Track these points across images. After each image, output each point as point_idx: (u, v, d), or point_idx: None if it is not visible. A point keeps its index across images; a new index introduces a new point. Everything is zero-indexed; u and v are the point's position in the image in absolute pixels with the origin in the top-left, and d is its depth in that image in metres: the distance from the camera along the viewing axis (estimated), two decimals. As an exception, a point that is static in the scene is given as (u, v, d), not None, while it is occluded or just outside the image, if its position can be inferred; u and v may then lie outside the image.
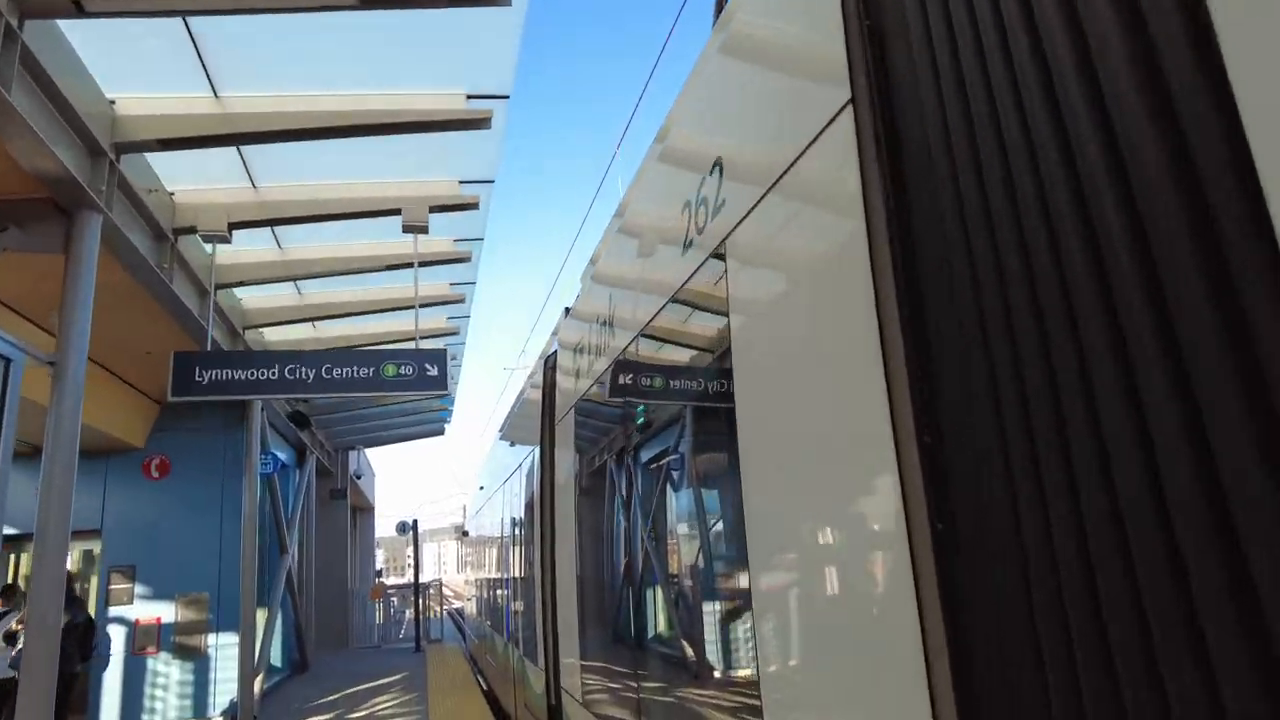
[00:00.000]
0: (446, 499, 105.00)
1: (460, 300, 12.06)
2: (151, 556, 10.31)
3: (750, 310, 2.23)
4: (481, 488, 13.20)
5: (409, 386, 7.12)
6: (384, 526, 37.31)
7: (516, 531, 8.24)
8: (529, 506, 6.90)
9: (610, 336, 3.80)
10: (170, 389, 6.67)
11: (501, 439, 9.93)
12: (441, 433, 20.34)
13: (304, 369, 6.98)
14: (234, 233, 6.94)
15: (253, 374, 6.88)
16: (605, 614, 4.24)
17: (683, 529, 3.12)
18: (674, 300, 2.85)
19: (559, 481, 5.35)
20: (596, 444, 4.38)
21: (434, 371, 7.18)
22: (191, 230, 6.90)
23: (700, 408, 2.82)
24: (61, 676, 7.05)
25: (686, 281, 2.69)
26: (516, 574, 8.34)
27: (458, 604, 31.37)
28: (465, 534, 17.49)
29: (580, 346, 4.55)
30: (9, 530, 10.18)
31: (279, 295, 10.60)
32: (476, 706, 10.20)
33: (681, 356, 3.03)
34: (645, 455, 3.50)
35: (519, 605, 7.99)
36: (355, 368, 7.08)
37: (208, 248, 7.66)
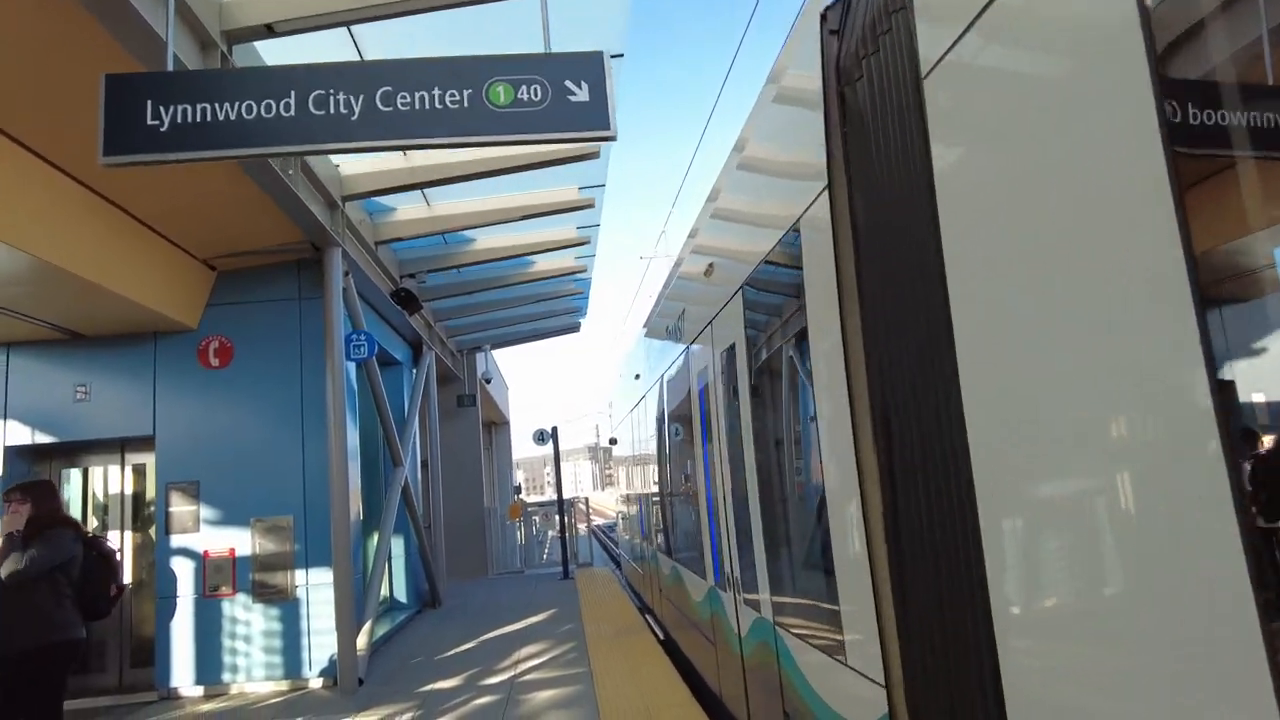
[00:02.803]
0: (579, 419, 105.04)
1: (590, 205, 9.61)
2: (218, 470, 7.70)
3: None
4: (637, 376, 9.95)
5: (540, 125, 3.65)
6: (516, 447, 35.71)
7: (716, 433, 5.02)
8: (738, 396, 4.45)
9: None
10: (101, 144, 3.54)
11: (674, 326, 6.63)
12: (576, 328, 17.33)
13: (345, 96, 3.65)
14: None
15: (251, 108, 3.62)
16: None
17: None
18: None
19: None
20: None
21: (581, 95, 3.66)
22: None
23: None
24: (48, 652, 4.44)
25: None
26: (717, 486, 5.10)
27: (598, 521, 29.20)
28: (613, 441, 14.53)
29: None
30: (44, 438, 7.80)
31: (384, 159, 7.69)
32: (658, 668, 7.14)
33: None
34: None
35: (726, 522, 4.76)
36: (438, 95, 3.66)
37: None
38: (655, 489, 9.00)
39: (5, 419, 7.66)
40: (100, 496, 8.29)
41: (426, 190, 8.79)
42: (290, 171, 6.42)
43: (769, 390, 4.03)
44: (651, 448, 9.01)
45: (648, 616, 10.13)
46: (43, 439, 7.67)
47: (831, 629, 3.19)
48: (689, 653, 7.07)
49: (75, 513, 8.31)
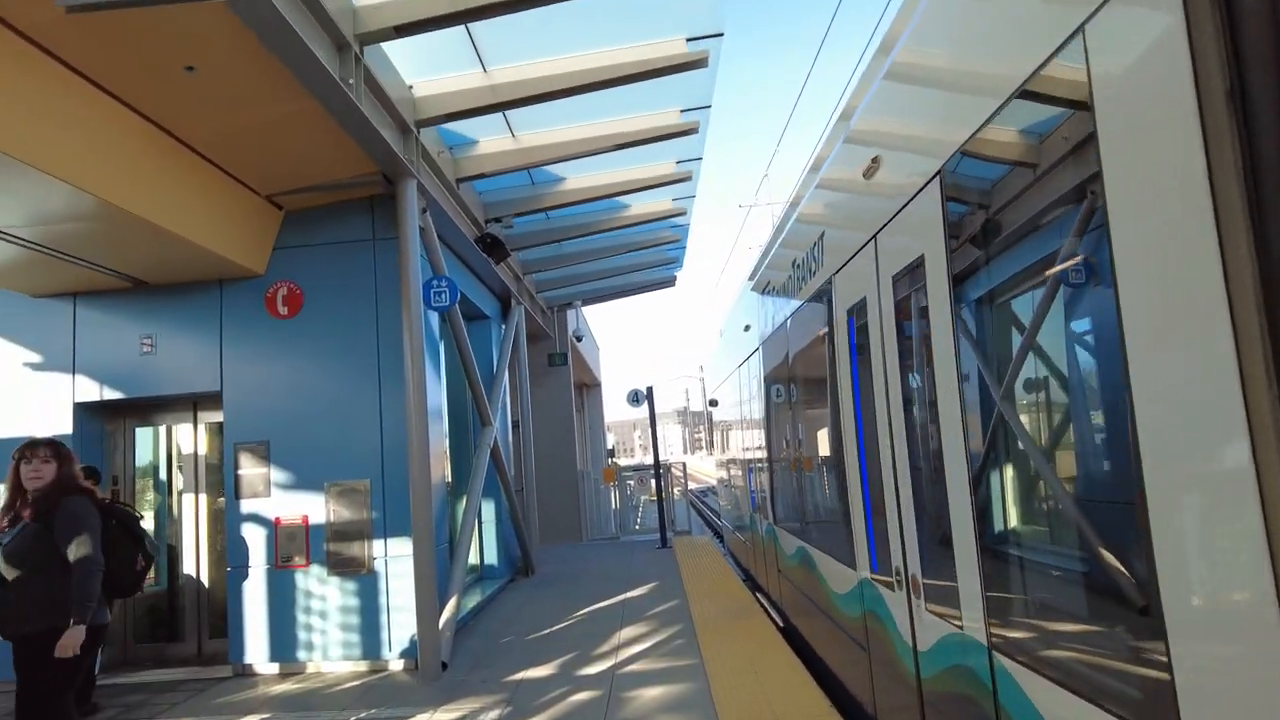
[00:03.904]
0: (669, 382, 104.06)
1: (694, 130, 8.43)
2: (289, 429, 7.02)
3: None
4: (747, 328, 8.77)
5: None
6: (607, 410, 34.98)
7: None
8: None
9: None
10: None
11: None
12: (672, 281, 16.17)
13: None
14: None
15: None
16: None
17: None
18: None
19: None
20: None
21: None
22: None
23: None
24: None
25: None
26: (881, 452, 3.93)
27: (694, 487, 28.32)
28: (713, 403, 13.42)
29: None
30: (111, 394, 7.25)
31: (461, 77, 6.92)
32: (781, 663, 6.07)
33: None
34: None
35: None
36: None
37: None
38: (770, 454, 7.85)
39: (75, 373, 7.16)
40: (174, 458, 7.76)
41: (511, 118, 7.80)
42: (351, 81, 5.49)
43: (997, 318, 2.81)
44: (765, 407, 7.85)
45: (759, 596, 9.06)
46: (110, 394, 7.14)
47: (1109, 676, 2.03)
48: (821, 650, 5.95)
49: (145, 477, 7.85)
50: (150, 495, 7.78)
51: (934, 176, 2.99)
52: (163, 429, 7.77)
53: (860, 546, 4.44)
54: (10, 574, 3.72)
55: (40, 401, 7.11)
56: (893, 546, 3.82)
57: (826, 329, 4.94)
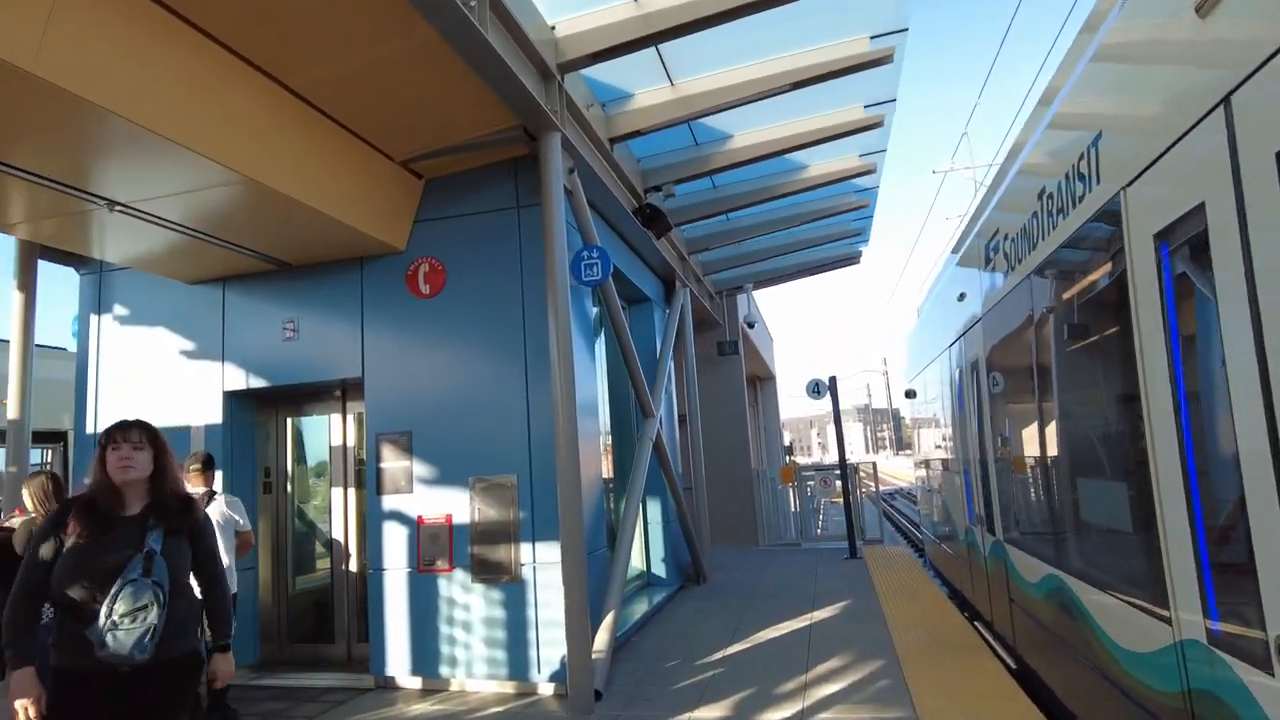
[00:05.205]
0: (849, 377, 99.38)
1: (888, 58, 6.87)
2: (431, 418, 6.36)
3: None
4: (961, 297, 7.17)
5: None
6: (781, 405, 33.12)
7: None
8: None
9: None
10: None
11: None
12: (856, 258, 14.48)
13: None
14: None
15: None
16: None
17: None
18: None
19: None
20: None
21: None
22: None
23: None
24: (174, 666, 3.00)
25: None
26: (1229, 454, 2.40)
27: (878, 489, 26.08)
28: (910, 395, 11.67)
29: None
30: (257, 382, 6.80)
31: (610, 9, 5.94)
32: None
33: None
34: None
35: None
36: None
37: None
38: (995, 451, 6.25)
39: (224, 360, 6.92)
40: (321, 451, 7.38)
41: (668, 60, 6.73)
42: (472, 3, 4.62)
43: None
44: (989, 392, 6.26)
45: (978, 626, 7.42)
46: (256, 383, 6.83)
47: None
48: (1085, 713, 4.38)
49: (299, 467, 7.52)
50: (302, 487, 7.46)
51: None
52: (312, 419, 7.43)
53: (1183, 589, 2.93)
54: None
55: (193, 390, 6.92)
56: (1267, 599, 2.33)
57: (1107, 271, 3.44)
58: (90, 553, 2.81)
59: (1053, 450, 4.77)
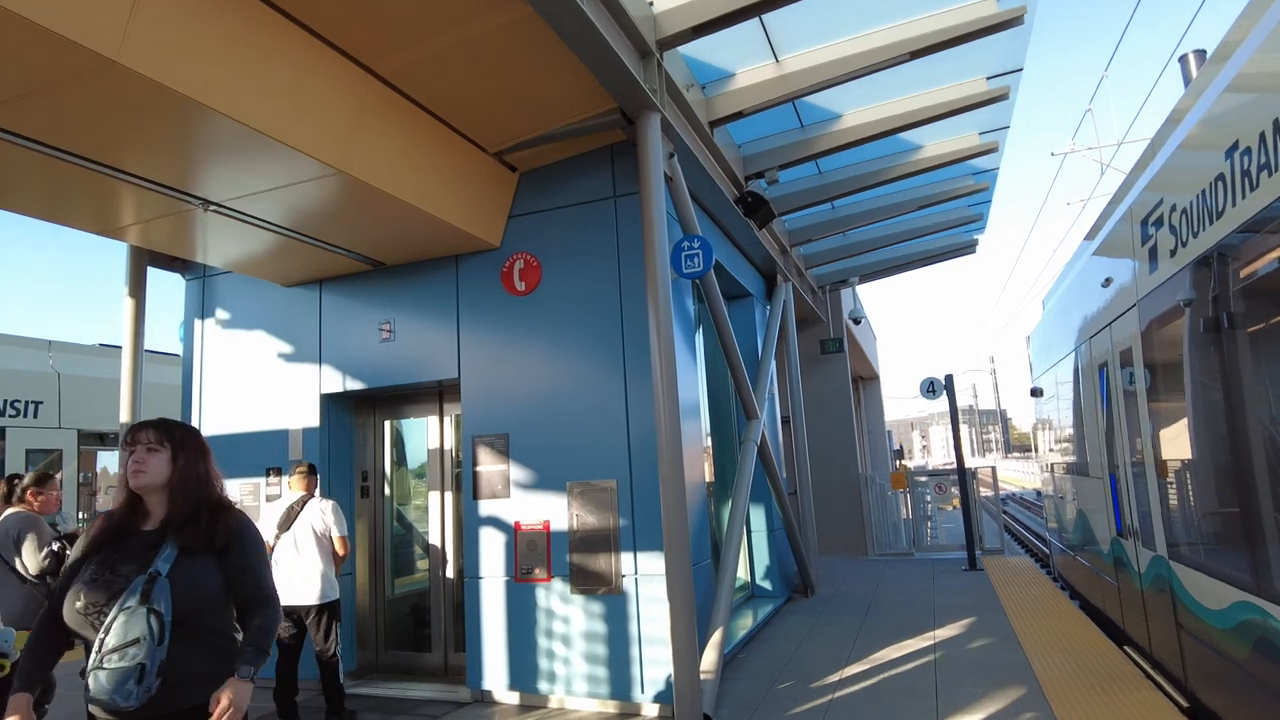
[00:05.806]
0: (957, 377, 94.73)
1: (1018, 19, 6.06)
2: (527, 420, 6.08)
3: None
4: (1107, 282, 6.38)
5: None
6: (887, 407, 31.77)
7: None
8: None
9: None
10: None
11: None
12: (972, 247, 13.50)
13: None
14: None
15: None
16: None
17: None
18: None
19: None
20: None
21: None
22: None
23: None
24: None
25: None
26: None
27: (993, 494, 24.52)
28: (1036, 393, 10.72)
29: None
30: (353, 384, 6.60)
31: None
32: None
33: None
34: None
35: None
36: None
37: None
38: (1155, 453, 5.47)
39: (321, 363, 6.86)
40: (419, 454, 7.24)
41: (773, 34, 6.26)
42: (567, -30, 4.29)
43: None
44: (1143, 385, 5.49)
45: (1129, 651, 6.59)
46: (352, 385, 6.73)
47: None
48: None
49: (399, 471, 7.41)
50: (400, 491, 7.34)
51: None
52: (409, 421, 7.30)
53: None
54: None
55: (290, 393, 6.90)
56: None
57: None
58: (95, 572, 2.33)
59: (1245, 454, 4.03)
